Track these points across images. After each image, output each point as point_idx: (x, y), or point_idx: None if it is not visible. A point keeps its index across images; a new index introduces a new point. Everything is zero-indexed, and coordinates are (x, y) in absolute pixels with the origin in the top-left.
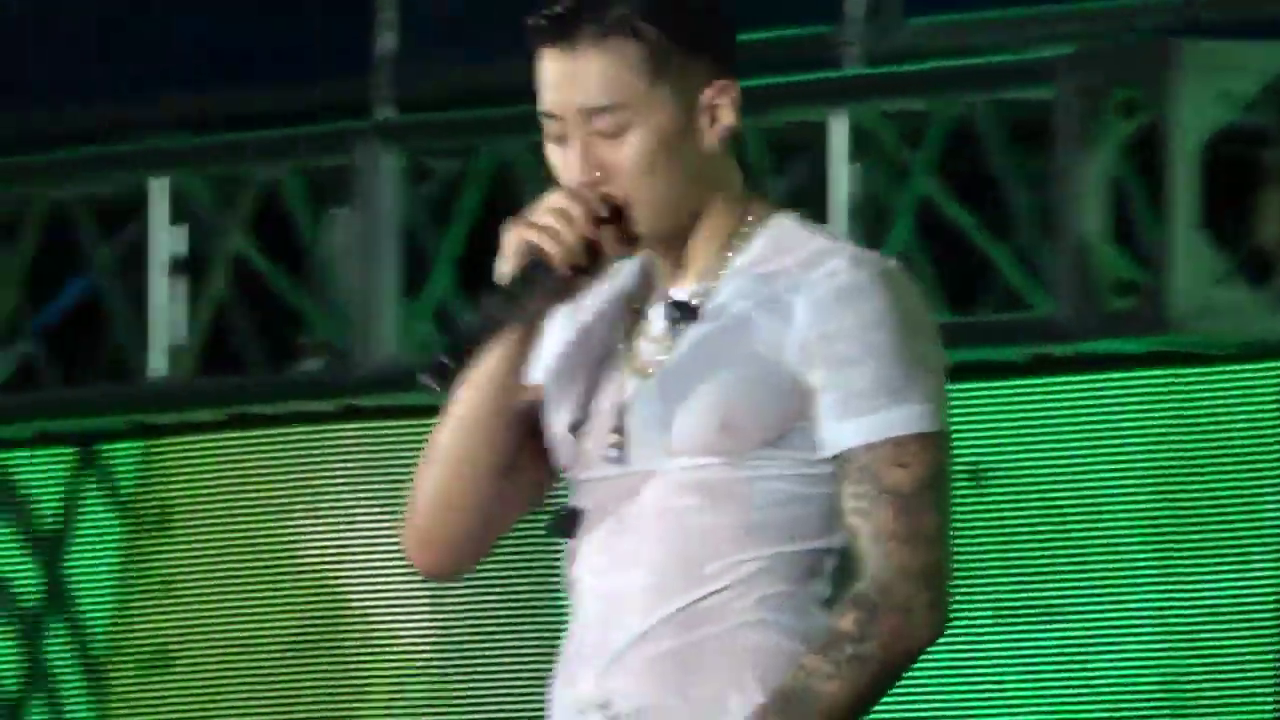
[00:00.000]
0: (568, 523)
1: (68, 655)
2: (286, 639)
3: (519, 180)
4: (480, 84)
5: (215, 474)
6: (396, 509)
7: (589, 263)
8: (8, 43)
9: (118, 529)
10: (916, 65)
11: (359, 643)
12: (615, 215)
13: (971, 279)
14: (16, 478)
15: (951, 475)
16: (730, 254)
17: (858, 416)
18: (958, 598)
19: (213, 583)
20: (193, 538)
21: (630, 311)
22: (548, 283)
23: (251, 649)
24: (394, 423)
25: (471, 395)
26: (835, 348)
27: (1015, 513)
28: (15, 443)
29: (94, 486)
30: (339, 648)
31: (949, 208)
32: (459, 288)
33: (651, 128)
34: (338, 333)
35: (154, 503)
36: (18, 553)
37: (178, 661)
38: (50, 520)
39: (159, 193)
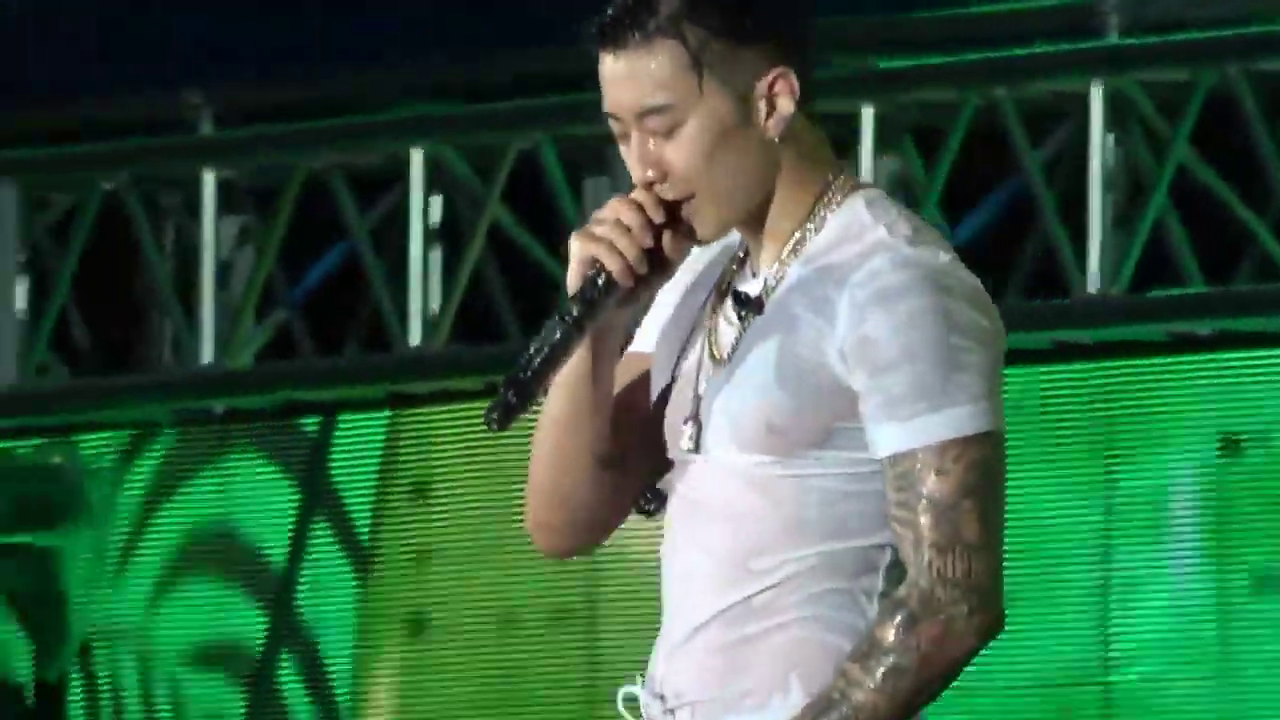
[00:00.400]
0: (652, 501)
1: (317, 618)
2: (545, 609)
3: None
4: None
5: (472, 443)
6: None
7: (652, 269)
8: (269, 18)
9: (369, 498)
10: (1175, 35)
11: (617, 613)
12: (672, 218)
13: (1229, 249)
14: (269, 444)
15: (1003, 474)
16: (802, 238)
17: (896, 422)
18: (1220, 567)
19: (470, 552)
20: (449, 508)
21: (719, 290)
22: (612, 295)
23: (509, 619)
24: None
25: (560, 396)
26: (873, 351)
27: (1274, 481)
28: (269, 412)
29: (343, 455)
30: (597, 618)
31: (1207, 177)
32: None
33: (704, 124)
34: None
35: (409, 472)
36: (270, 519)
37: (434, 630)
38: (298, 488)
39: (417, 162)
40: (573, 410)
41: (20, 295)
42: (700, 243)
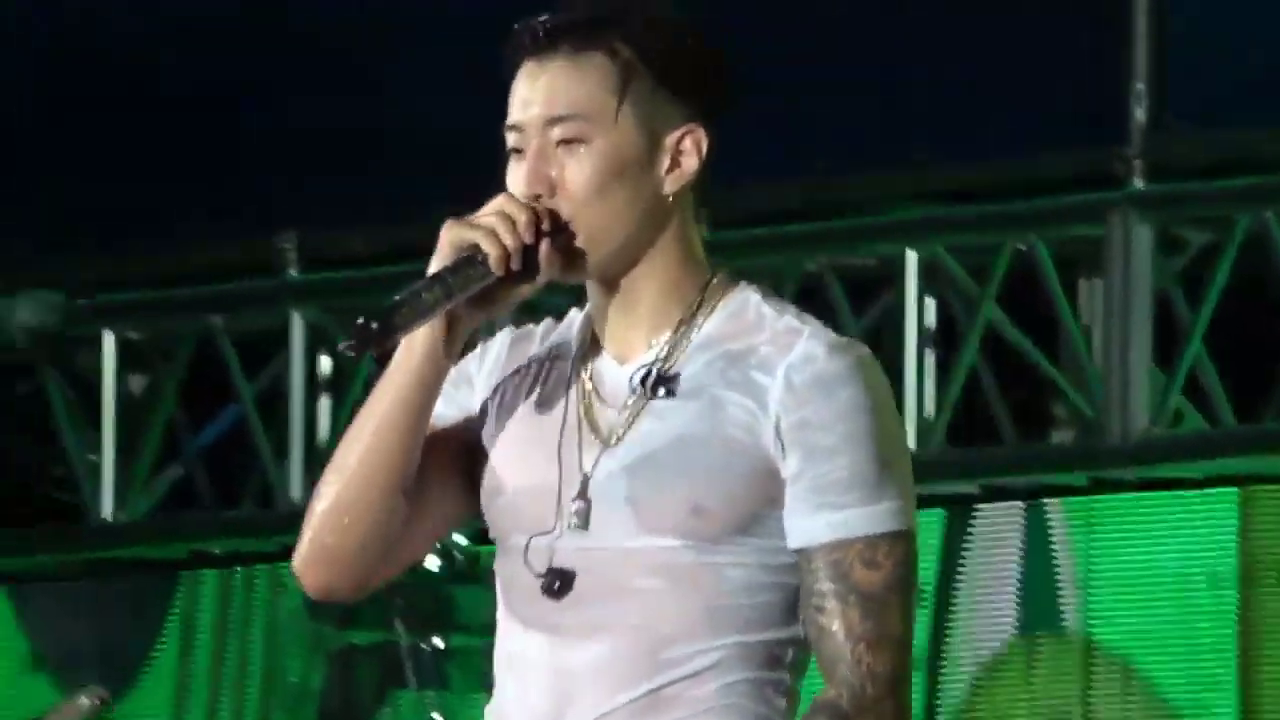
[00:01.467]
0: (558, 581)
1: None
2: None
3: (1274, 251)
4: (1233, 154)
5: (968, 545)
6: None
7: (522, 271)
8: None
9: None
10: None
11: None
12: (556, 230)
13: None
14: None
15: (917, 574)
16: (693, 322)
17: (831, 511)
18: None
19: None
20: None
21: (579, 369)
22: (479, 280)
23: None
24: (1146, 495)
25: (376, 406)
26: (811, 436)
27: None
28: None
29: None
30: None
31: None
32: (1211, 358)
33: (608, 147)
34: (1089, 404)
35: None
36: None
37: None
38: None
39: (912, 263)
40: (385, 423)
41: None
42: (567, 275)
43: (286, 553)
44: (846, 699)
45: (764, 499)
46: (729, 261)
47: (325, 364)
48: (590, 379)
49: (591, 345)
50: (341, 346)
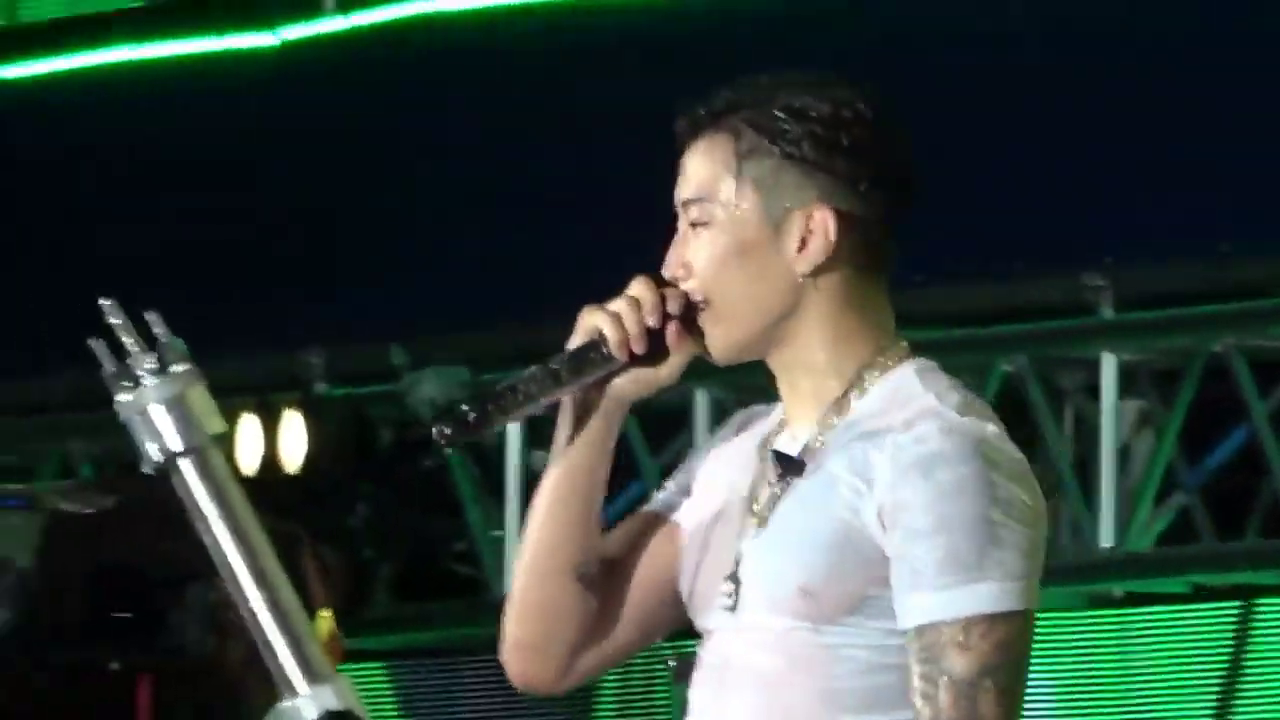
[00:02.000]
0: (680, 672)
1: None
2: None
3: None
4: None
5: None
6: None
7: (648, 354)
8: (1167, 198)
9: None
10: None
11: None
12: (688, 314)
13: None
14: (1177, 629)
15: (1028, 655)
16: (847, 400)
17: (923, 592)
18: None
19: None
20: None
21: (760, 452)
22: (601, 365)
23: None
24: None
25: (537, 499)
26: (908, 518)
27: None
28: (1175, 597)
29: (1257, 640)
30: None
31: None
32: None
33: (728, 229)
34: None
35: None
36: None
37: None
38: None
39: None
40: (556, 500)
41: None
42: (709, 355)
43: None
44: None
45: (872, 580)
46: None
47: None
48: (766, 457)
49: (781, 422)
50: (435, 434)
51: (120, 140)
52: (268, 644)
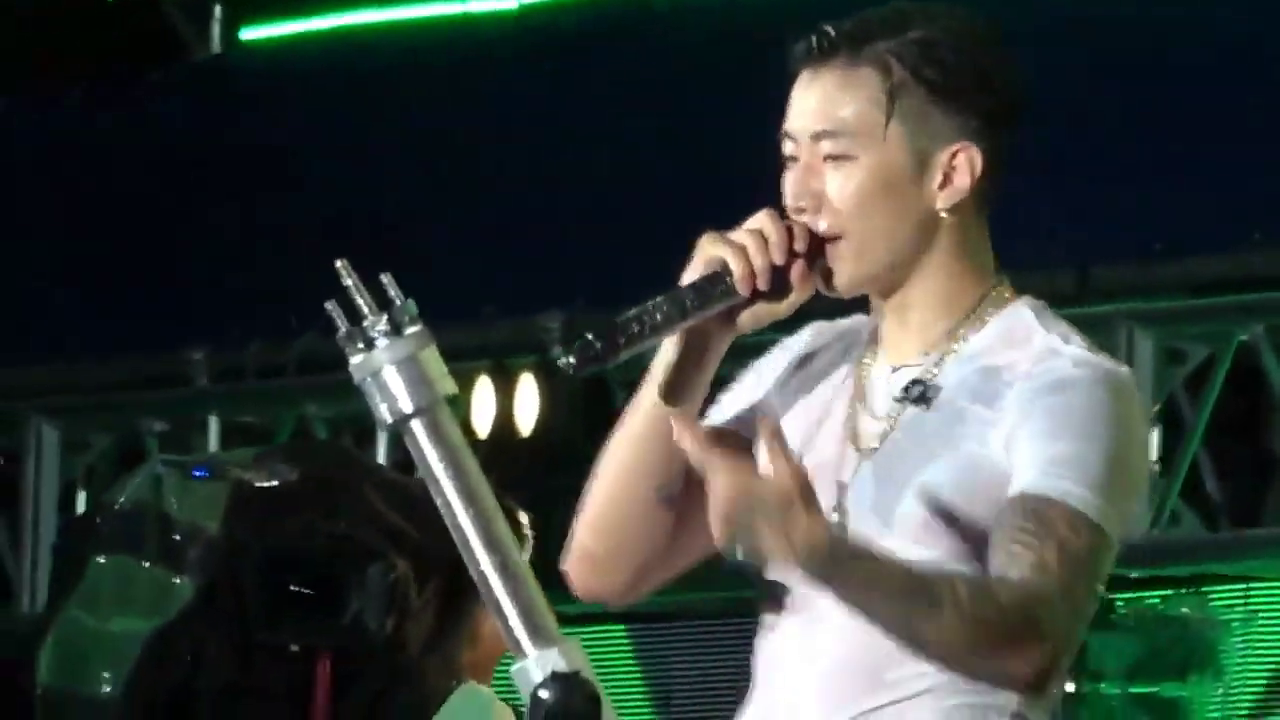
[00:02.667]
0: (773, 596)
1: None
2: None
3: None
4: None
5: None
6: None
7: (772, 290)
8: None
9: None
10: None
11: None
12: (813, 250)
13: None
14: None
15: (1101, 585)
16: (961, 336)
17: (1051, 474)
18: None
19: None
20: None
21: (857, 377)
22: (723, 298)
23: None
24: None
25: (628, 418)
26: (1034, 425)
27: None
28: None
29: None
30: None
31: None
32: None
33: (875, 165)
34: None
35: None
36: None
37: None
38: None
39: None
40: (652, 422)
41: (1154, 446)
42: (832, 290)
43: None
44: (1033, 601)
45: (994, 514)
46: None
47: None
48: (863, 385)
49: (870, 349)
50: (561, 362)
51: (359, 103)
52: (497, 606)
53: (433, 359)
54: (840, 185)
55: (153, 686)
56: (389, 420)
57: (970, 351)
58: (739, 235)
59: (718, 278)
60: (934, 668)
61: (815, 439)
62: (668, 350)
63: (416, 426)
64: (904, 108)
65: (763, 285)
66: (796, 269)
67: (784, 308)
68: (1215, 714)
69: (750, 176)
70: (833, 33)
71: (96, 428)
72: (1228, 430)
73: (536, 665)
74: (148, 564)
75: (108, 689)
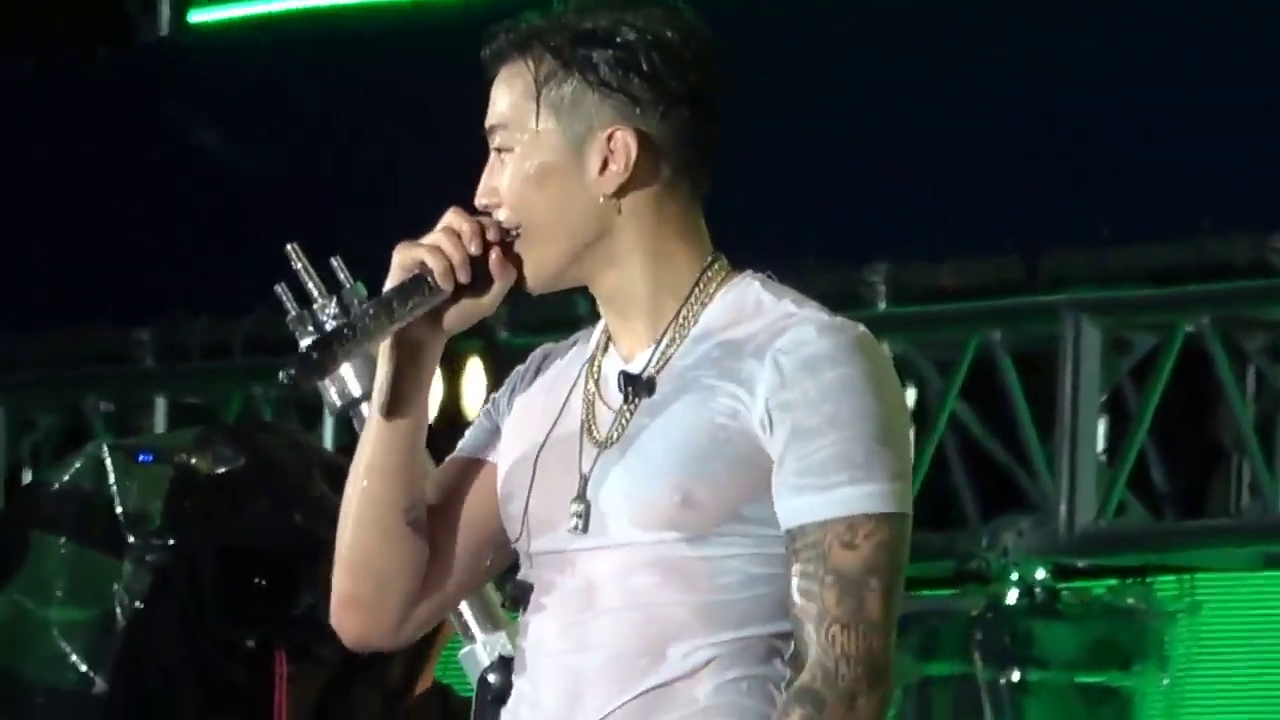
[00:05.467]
0: (522, 596)
1: None
2: None
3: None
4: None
5: None
6: None
7: (473, 283)
8: None
9: None
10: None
11: None
12: (504, 239)
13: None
14: None
15: (906, 558)
16: (688, 316)
17: (812, 493)
18: None
19: None
20: None
21: (591, 375)
22: (428, 298)
23: None
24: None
25: (360, 448)
26: (795, 417)
27: None
28: None
29: None
30: None
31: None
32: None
33: (529, 155)
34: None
35: None
36: None
37: None
38: None
39: None
40: (383, 446)
41: (1100, 436)
42: (524, 286)
43: None
44: (820, 681)
45: (754, 486)
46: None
47: None
48: (596, 381)
49: (602, 346)
50: (282, 376)
51: (306, 86)
52: None
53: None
54: (505, 178)
55: (108, 678)
56: (337, 404)
57: (703, 330)
58: (431, 237)
59: (419, 279)
60: (713, 639)
61: (551, 439)
62: (382, 368)
63: (366, 411)
64: (553, 97)
65: (463, 278)
66: (493, 258)
67: (488, 301)
68: (1160, 704)
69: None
70: (501, 34)
71: (42, 406)
72: (1174, 421)
73: (485, 649)
74: (92, 549)
75: (53, 680)
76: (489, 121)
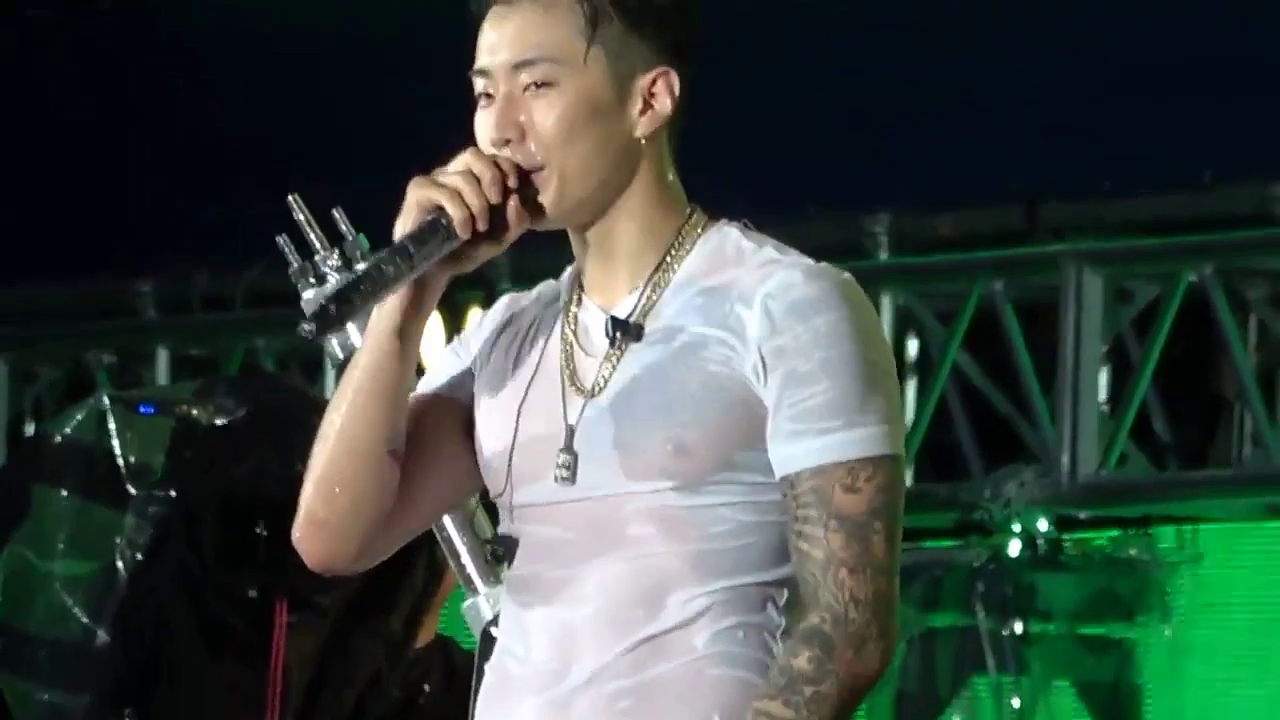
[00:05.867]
0: (508, 551)
1: None
2: None
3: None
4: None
5: None
6: None
7: (491, 229)
8: None
9: None
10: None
11: None
12: (524, 184)
13: None
14: None
15: (903, 499)
16: (670, 264)
17: (810, 438)
18: None
19: None
20: None
21: (567, 324)
22: (444, 244)
23: None
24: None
25: (352, 373)
26: (789, 363)
27: None
28: None
29: None
30: None
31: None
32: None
33: (578, 91)
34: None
35: None
36: None
37: None
38: None
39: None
40: (367, 385)
41: (1102, 387)
42: (542, 220)
43: None
44: (830, 624)
45: (747, 433)
46: None
47: None
48: (574, 330)
49: (577, 296)
50: (301, 329)
51: (316, 32)
52: (450, 545)
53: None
54: (544, 113)
55: (110, 630)
56: (340, 355)
57: (683, 278)
58: (450, 179)
59: (435, 224)
60: (707, 588)
61: (532, 390)
62: (390, 304)
63: None
64: (603, 34)
65: (482, 226)
66: (512, 205)
67: (498, 249)
68: (1163, 655)
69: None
70: None
71: (44, 359)
72: (1176, 372)
73: (488, 602)
74: (94, 502)
75: (56, 632)
76: (520, 55)
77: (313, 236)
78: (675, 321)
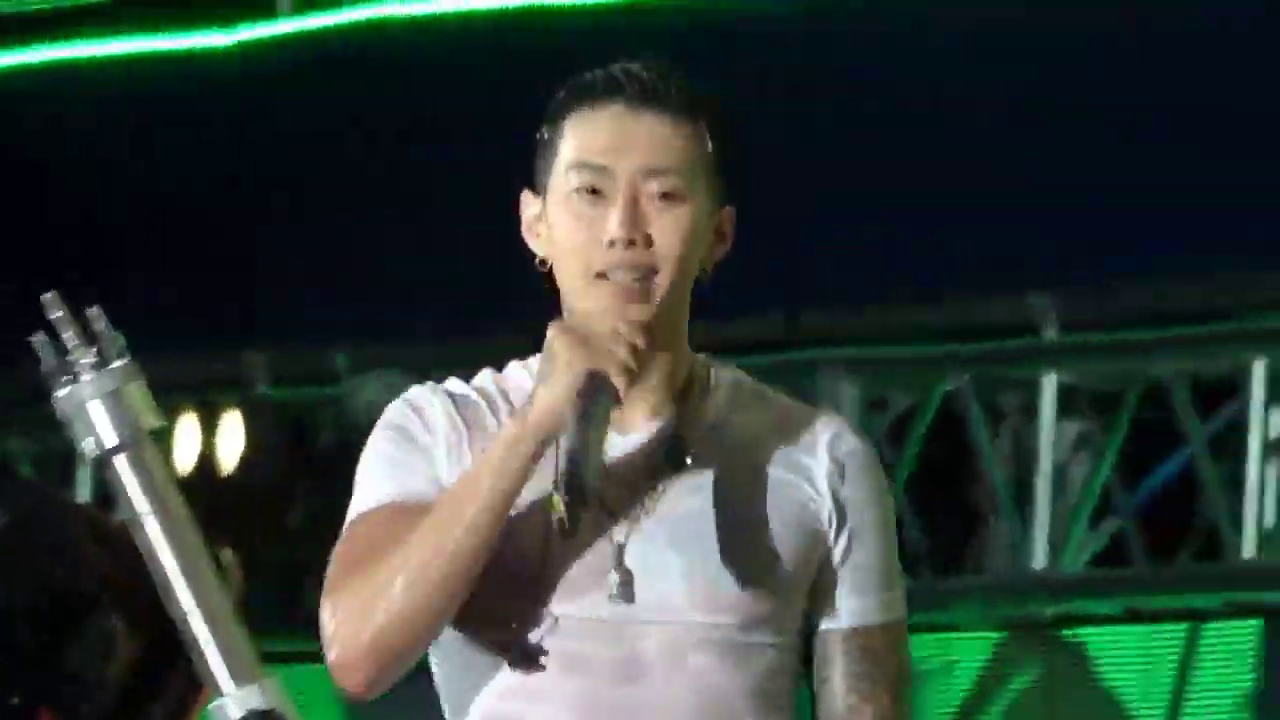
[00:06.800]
0: (531, 659)
1: None
2: None
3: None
4: None
5: None
6: None
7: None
8: (1111, 224)
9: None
10: None
11: None
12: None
13: None
14: (1103, 655)
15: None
16: (693, 399)
17: (872, 593)
18: None
19: None
20: None
21: (590, 439)
22: (608, 409)
23: None
24: None
25: (464, 511)
26: (856, 516)
27: None
28: (1108, 618)
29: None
30: None
31: None
32: None
33: (698, 210)
34: None
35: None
36: None
37: None
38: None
39: (1259, 373)
40: (493, 525)
41: None
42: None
43: None
44: None
45: (809, 579)
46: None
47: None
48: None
49: (594, 411)
50: (555, 522)
51: (73, 134)
52: (195, 644)
53: (139, 393)
54: (671, 226)
55: None
56: (93, 454)
57: (717, 418)
58: (616, 349)
59: (602, 390)
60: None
61: (540, 510)
62: (524, 448)
63: (120, 461)
64: (711, 164)
65: (635, 369)
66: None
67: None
68: None
69: None
70: (658, 75)
71: None
72: (930, 479)
73: (235, 703)
74: None
75: None
76: (655, 162)
77: (68, 335)
78: (733, 458)
